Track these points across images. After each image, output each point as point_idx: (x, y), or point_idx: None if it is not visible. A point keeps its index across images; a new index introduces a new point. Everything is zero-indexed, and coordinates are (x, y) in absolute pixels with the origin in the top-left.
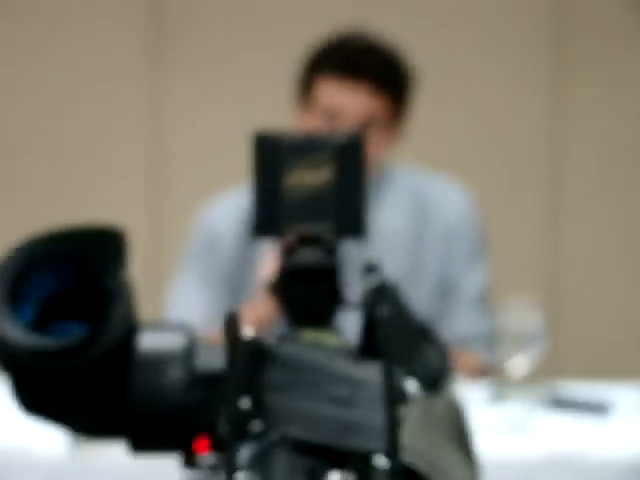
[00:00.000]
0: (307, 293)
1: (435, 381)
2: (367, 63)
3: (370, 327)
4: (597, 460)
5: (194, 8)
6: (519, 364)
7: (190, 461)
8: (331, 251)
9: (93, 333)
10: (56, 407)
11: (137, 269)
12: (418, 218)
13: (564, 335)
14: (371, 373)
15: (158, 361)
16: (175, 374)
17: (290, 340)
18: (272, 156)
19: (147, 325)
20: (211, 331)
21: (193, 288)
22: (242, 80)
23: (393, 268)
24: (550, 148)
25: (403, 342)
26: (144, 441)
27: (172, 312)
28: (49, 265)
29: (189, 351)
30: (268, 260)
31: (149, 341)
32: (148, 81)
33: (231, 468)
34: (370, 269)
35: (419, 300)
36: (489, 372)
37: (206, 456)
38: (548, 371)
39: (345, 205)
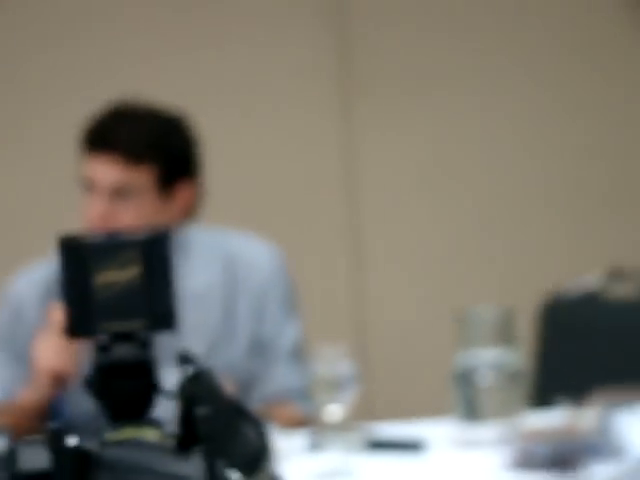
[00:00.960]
0: (124, 388)
1: (256, 460)
2: (119, 134)
3: (188, 417)
4: None
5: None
6: (334, 410)
7: None
8: (145, 345)
9: None
10: None
11: None
12: (228, 278)
13: (375, 378)
14: (193, 468)
15: None
16: None
17: (112, 443)
18: (79, 258)
19: None
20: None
21: None
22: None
23: (207, 329)
24: (346, 191)
25: (222, 427)
26: None
27: None
28: None
29: (10, 453)
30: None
31: None
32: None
33: None
34: (184, 358)
35: (234, 359)
36: (308, 423)
37: None
38: (362, 415)
39: (155, 299)
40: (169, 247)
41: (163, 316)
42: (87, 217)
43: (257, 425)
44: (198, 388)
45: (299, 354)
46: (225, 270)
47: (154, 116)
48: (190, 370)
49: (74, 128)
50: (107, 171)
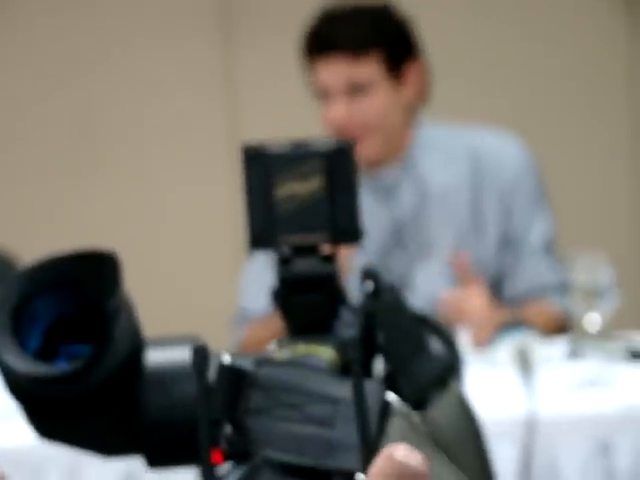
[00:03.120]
0: (304, 302)
1: (443, 377)
2: (339, 31)
3: (368, 335)
4: None
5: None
6: (593, 319)
7: (207, 473)
8: (327, 259)
9: (96, 354)
10: (70, 431)
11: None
12: (474, 174)
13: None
14: (350, 391)
15: (168, 376)
16: (186, 388)
17: (268, 361)
18: (261, 168)
19: (155, 341)
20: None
21: (259, 272)
22: None
23: (454, 225)
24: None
25: (405, 341)
26: (160, 456)
27: (242, 297)
28: (49, 292)
29: (200, 363)
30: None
31: (158, 357)
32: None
33: None
34: (367, 274)
35: (483, 255)
36: (565, 322)
37: (222, 467)
38: (621, 324)
39: (339, 212)
40: (354, 158)
41: (347, 229)
42: (328, 124)
43: (447, 339)
44: (379, 305)
45: (551, 248)
46: (471, 166)
47: (364, 8)
48: (372, 286)
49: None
50: (337, 71)
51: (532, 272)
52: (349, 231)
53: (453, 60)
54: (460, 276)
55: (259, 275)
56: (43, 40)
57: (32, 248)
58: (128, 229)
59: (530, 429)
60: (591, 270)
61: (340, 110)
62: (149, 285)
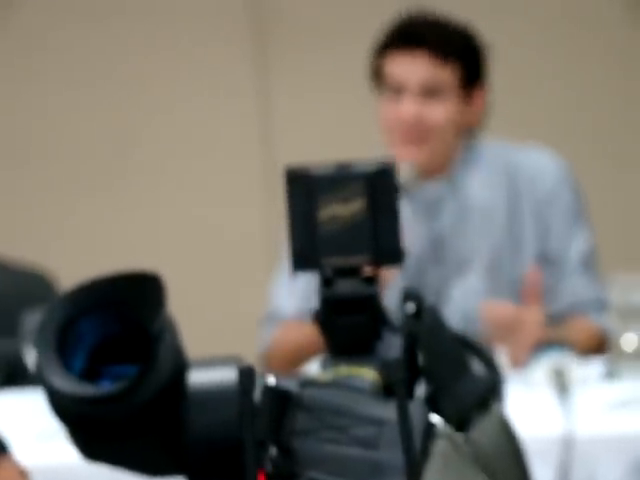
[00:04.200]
0: (346, 324)
1: (485, 397)
2: (427, 32)
3: (411, 356)
4: None
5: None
6: (631, 339)
7: None
8: (369, 281)
9: (141, 375)
10: (114, 451)
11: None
12: (510, 190)
13: None
14: (394, 412)
15: (212, 397)
16: (230, 408)
17: (312, 383)
18: (304, 190)
19: (199, 362)
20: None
21: (287, 277)
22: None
23: (490, 244)
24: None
25: (446, 362)
26: (203, 477)
27: (273, 298)
28: (93, 313)
29: (246, 383)
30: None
31: (201, 377)
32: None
33: None
34: (408, 295)
35: (520, 272)
36: (605, 339)
37: None
38: None
39: (380, 234)
40: (396, 180)
41: (389, 251)
42: (392, 119)
43: (488, 360)
44: (421, 326)
45: (590, 265)
46: (509, 183)
47: (451, 19)
48: (413, 307)
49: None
50: (418, 69)
51: (571, 289)
52: (391, 252)
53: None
54: (526, 294)
55: (291, 278)
56: (78, 54)
57: (68, 268)
58: (163, 249)
59: (567, 448)
60: (629, 290)
61: (412, 107)
62: (184, 305)
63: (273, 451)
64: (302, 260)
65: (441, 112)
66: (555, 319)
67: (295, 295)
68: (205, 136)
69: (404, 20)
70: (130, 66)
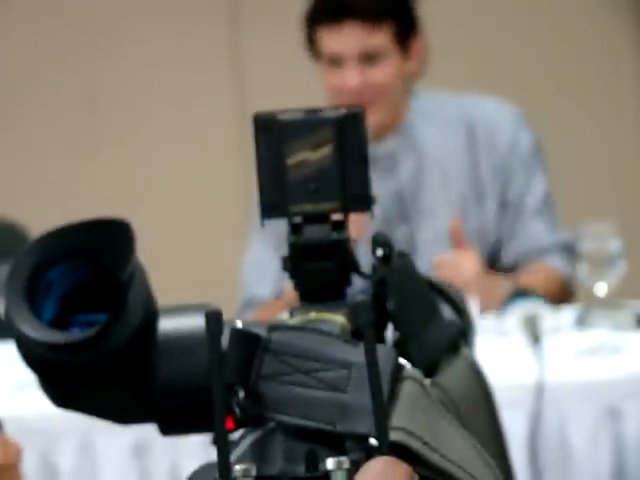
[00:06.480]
0: (315, 270)
1: (454, 342)
2: (351, 1)
3: (379, 301)
4: None
5: None
6: (602, 287)
7: (220, 439)
8: (338, 226)
9: (110, 322)
10: (84, 397)
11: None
12: (470, 141)
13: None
14: (362, 355)
15: (181, 343)
16: (199, 355)
17: (280, 327)
18: (273, 137)
19: (168, 309)
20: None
21: (260, 257)
22: None
23: (453, 194)
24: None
25: (416, 307)
26: (173, 423)
27: (246, 285)
28: (62, 261)
29: (213, 328)
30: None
31: (171, 324)
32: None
33: (225, 460)
34: (378, 240)
35: (485, 222)
36: (568, 283)
37: (235, 432)
38: (629, 293)
39: (349, 180)
40: (364, 126)
41: (357, 197)
42: (337, 90)
43: (457, 305)
44: (391, 272)
45: (548, 209)
46: (467, 133)
47: None
48: (382, 252)
49: None
50: (353, 39)
51: (530, 234)
52: (360, 198)
53: (453, 39)
54: (453, 242)
55: (261, 260)
56: (52, 21)
57: (39, 219)
58: (136, 200)
59: (539, 395)
60: (599, 239)
61: (355, 77)
62: (158, 255)
63: (241, 395)
64: (271, 208)
65: (384, 73)
66: (516, 264)
67: (267, 278)
68: (177, 86)
69: None
70: (100, 20)
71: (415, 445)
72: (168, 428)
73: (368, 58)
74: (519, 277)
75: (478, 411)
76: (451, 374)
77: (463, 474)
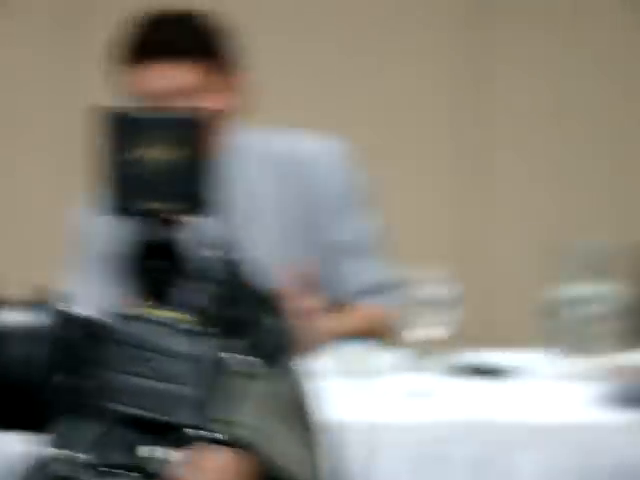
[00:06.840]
0: (150, 268)
1: (273, 355)
2: (159, 40)
3: (212, 298)
4: (501, 423)
5: None
6: (432, 332)
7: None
8: (172, 227)
9: None
10: None
11: None
12: (279, 182)
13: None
14: (203, 349)
15: (24, 335)
16: (41, 346)
17: (125, 317)
18: (116, 134)
19: (13, 301)
20: None
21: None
22: None
23: (268, 246)
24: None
25: (240, 314)
26: (6, 415)
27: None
28: None
29: (56, 322)
30: None
31: (14, 316)
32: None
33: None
34: (214, 244)
35: (291, 259)
36: (386, 323)
37: (67, 423)
38: (458, 339)
39: (187, 182)
40: (205, 131)
41: (193, 200)
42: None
43: (282, 323)
44: (221, 274)
45: (369, 250)
46: (276, 174)
47: (188, 14)
48: (216, 255)
49: None
50: (163, 77)
51: (347, 276)
52: (195, 201)
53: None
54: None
55: (87, 288)
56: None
57: None
58: None
59: (371, 433)
60: (432, 284)
61: (159, 81)
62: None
63: (83, 385)
64: (112, 205)
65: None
66: (338, 306)
67: (93, 300)
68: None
69: (136, 33)
70: None
71: (252, 440)
72: None
73: (180, 95)
74: (340, 319)
75: (293, 418)
76: (271, 379)
77: (296, 467)
